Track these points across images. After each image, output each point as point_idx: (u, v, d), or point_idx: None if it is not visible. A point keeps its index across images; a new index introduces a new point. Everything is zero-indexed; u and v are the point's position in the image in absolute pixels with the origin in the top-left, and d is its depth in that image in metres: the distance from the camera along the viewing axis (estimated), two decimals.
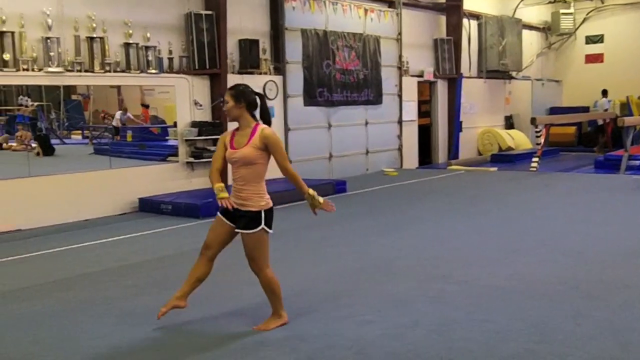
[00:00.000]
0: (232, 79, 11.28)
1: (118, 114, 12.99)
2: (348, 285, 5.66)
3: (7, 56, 8.68)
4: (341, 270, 6.23)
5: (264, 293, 4.59)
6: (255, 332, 4.49)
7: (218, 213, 4.60)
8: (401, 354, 4.06)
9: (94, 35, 9.58)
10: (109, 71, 9.76)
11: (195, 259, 4.66)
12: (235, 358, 4.09)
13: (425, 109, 16.59)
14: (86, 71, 9.53)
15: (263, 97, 4.67)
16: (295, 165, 12.59)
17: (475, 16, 17.71)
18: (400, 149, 15.43)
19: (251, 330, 4.53)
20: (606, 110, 18.90)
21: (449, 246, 7.11)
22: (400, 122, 15.31)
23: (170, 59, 10.64)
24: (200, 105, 11.00)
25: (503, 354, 4.02)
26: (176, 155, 10.78)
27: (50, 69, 9.06)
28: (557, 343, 4.17)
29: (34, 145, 12.34)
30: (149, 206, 9.86)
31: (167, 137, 11.92)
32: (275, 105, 12.30)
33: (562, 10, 20.48)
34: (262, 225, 4.43)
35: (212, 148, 10.93)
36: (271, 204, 4.52)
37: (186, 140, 10.72)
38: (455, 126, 16.83)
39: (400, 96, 15.22)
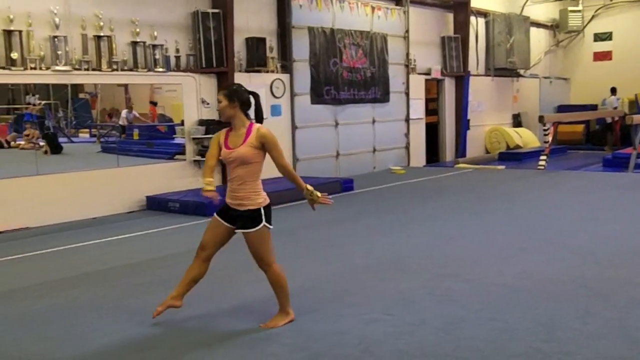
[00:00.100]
0: (239, 77, 11.32)
1: (124, 113, 13.00)
2: (355, 284, 5.66)
3: (15, 55, 8.71)
4: (348, 268, 6.23)
5: (272, 289, 4.59)
6: (262, 330, 4.48)
7: (214, 214, 4.62)
8: (408, 352, 4.05)
9: (101, 34, 9.60)
10: (116, 70, 9.79)
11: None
12: (242, 355, 4.09)
13: (432, 107, 16.56)
14: (93, 70, 9.56)
15: (258, 96, 4.67)
16: (303, 163, 12.80)
17: (483, 14, 17.65)
18: (407, 147, 15.41)
19: (258, 328, 4.53)
20: (615, 108, 18.81)
21: (457, 244, 7.09)
22: (407, 120, 15.29)
23: (178, 58, 10.66)
24: (208, 104, 11.01)
25: (511, 352, 4.00)
26: (183, 153, 10.80)
27: (57, 68, 9.09)
28: (565, 342, 4.15)
29: (41, 143, 12.38)
30: (157, 204, 9.88)
31: (174, 136, 11.94)
32: (282, 103, 12.32)
33: (570, 8, 20.39)
34: (264, 222, 4.43)
35: None
36: (269, 200, 4.53)
37: (193, 138, 10.74)
38: (462, 124, 16.79)
39: (407, 94, 15.20)
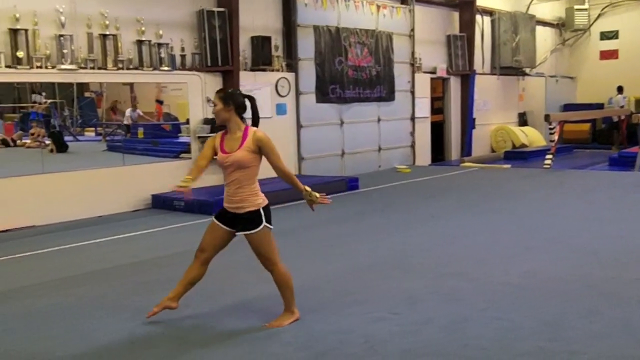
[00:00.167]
0: (245, 76, 11.34)
1: (128, 111, 13.01)
2: (360, 283, 5.65)
3: (20, 54, 8.73)
4: (353, 267, 6.22)
5: (278, 289, 4.59)
6: (264, 329, 4.48)
7: (213, 217, 4.62)
8: (413, 351, 4.04)
9: (107, 33, 9.61)
10: (122, 68, 9.80)
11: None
12: (244, 354, 4.09)
13: (438, 105, 16.53)
14: (99, 68, 9.58)
15: (254, 99, 4.66)
16: (308, 162, 12.79)
17: (489, 12, 17.61)
18: (412, 146, 15.39)
19: (260, 327, 4.53)
20: (622, 107, 18.74)
21: (462, 243, 7.08)
22: (412, 118, 15.27)
23: (183, 56, 10.67)
24: (213, 103, 10.99)
25: (516, 351, 3.99)
26: (189, 152, 10.80)
27: (63, 67, 9.11)
28: (571, 341, 4.14)
29: (47, 142, 12.41)
30: (162, 203, 9.89)
31: (178, 134, 11.95)
32: (287, 102, 12.32)
33: (576, 6, 20.33)
34: (264, 223, 4.43)
35: None
36: (267, 201, 4.53)
37: (199, 137, 10.74)
38: (468, 123, 16.75)
39: (413, 93, 15.18)
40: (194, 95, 10.87)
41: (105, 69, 9.63)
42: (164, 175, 10.23)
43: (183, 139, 11.42)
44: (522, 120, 19.29)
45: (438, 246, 7.00)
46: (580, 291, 5.20)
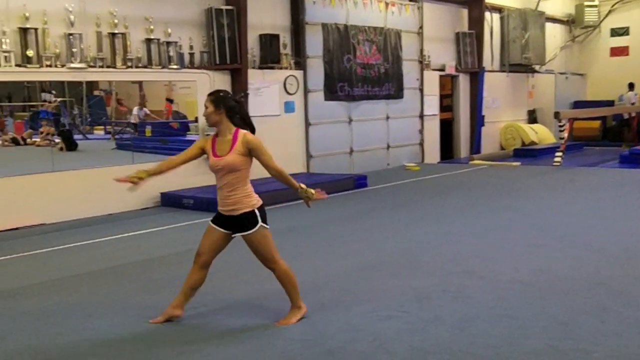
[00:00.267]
0: (253, 74, 11.35)
1: (135, 110, 13.04)
2: (369, 280, 5.64)
3: (30, 52, 8.77)
4: (362, 265, 6.21)
5: (282, 286, 4.59)
6: (274, 327, 4.48)
7: (209, 221, 4.63)
8: (423, 348, 4.03)
9: (116, 31, 9.64)
10: (131, 67, 9.83)
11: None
12: (254, 352, 4.09)
13: (447, 103, 16.48)
14: (108, 67, 9.61)
15: (243, 104, 4.69)
16: (316, 160, 12.79)
17: (498, 9, 17.54)
18: (421, 144, 15.36)
19: (270, 324, 4.53)
20: (633, 104, 18.63)
21: (471, 241, 7.06)
22: (421, 116, 15.23)
23: (191, 55, 10.68)
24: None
25: (526, 349, 3.97)
26: None
27: (72, 65, 9.15)
28: (581, 339, 4.12)
29: (57, 140, 12.46)
30: (171, 201, 9.92)
31: (187, 132, 11.97)
32: (295, 100, 12.31)
33: (586, 3, 20.21)
34: (260, 223, 4.44)
35: None
36: (261, 202, 4.54)
37: (207, 135, 10.74)
38: (477, 120, 16.70)
39: (421, 90, 15.14)
40: (202, 94, 10.82)
41: (114, 67, 9.66)
42: (173, 173, 10.24)
43: (190, 137, 11.44)
44: (532, 118, 19.21)
45: (447, 244, 6.98)
46: (590, 289, 5.18)
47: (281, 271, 4.54)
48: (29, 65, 8.78)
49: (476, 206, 9.34)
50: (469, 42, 16.28)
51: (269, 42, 11.62)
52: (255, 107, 11.31)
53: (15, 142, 13.69)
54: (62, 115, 12.72)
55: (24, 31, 8.75)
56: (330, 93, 12.97)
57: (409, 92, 14.77)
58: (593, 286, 5.25)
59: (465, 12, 16.53)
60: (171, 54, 10.31)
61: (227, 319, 4.71)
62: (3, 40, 8.53)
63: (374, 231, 7.84)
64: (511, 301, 4.92)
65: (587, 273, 5.63)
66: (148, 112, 12.89)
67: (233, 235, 4.52)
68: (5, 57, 8.53)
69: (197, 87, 10.85)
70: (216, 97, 4.51)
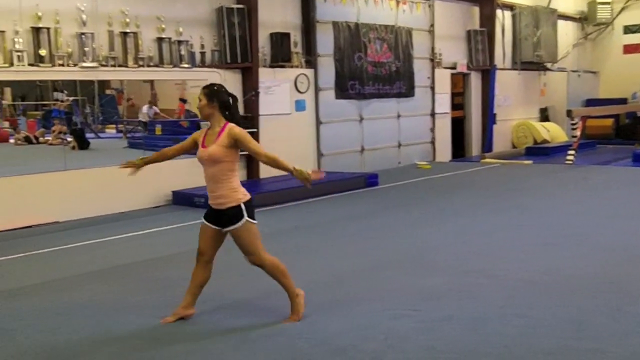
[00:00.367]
0: (264, 73, 11.35)
1: (145, 108, 13.07)
2: (380, 279, 5.64)
3: (43, 52, 8.82)
4: (373, 263, 6.21)
5: (275, 280, 4.60)
6: (286, 326, 4.48)
7: (202, 219, 4.66)
8: (435, 347, 4.02)
9: (128, 31, 9.68)
10: (142, 66, 9.86)
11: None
12: (265, 351, 4.09)
13: (458, 101, 16.42)
14: (120, 66, 9.64)
15: (236, 99, 4.72)
16: (327, 158, 12.77)
17: (509, 7, 17.45)
18: (433, 142, 15.31)
19: (279, 322, 4.53)
20: None
21: (483, 240, 7.03)
22: (433, 114, 15.18)
23: (203, 53, 10.70)
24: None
25: (538, 349, 3.95)
26: None
27: (84, 64, 9.19)
28: (594, 339, 4.09)
29: (69, 139, 12.54)
30: (183, 199, 9.94)
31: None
32: (306, 98, 12.31)
33: (599, 0, 20.05)
34: (245, 218, 4.44)
35: None
36: (249, 196, 4.55)
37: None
38: (489, 119, 16.62)
39: (433, 88, 15.09)
40: None
41: (126, 66, 9.69)
42: (185, 171, 10.26)
43: None
44: (544, 116, 19.09)
45: (458, 243, 6.96)
46: (603, 288, 5.14)
47: (269, 266, 4.55)
48: (41, 65, 8.83)
49: (487, 205, 9.30)
50: (481, 40, 16.20)
51: (279, 40, 11.62)
52: (266, 105, 11.33)
53: (28, 140, 13.80)
54: (74, 114, 12.80)
55: (36, 31, 8.80)
56: (341, 91, 12.95)
57: (420, 90, 14.72)
58: (606, 285, 5.22)
59: (476, 9, 16.45)
60: (182, 52, 10.34)
61: (235, 318, 4.71)
62: (16, 39, 8.58)
63: (385, 229, 7.83)
64: (522, 300, 4.90)
65: (599, 272, 5.59)
66: (158, 110, 12.92)
67: (224, 230, 4.53)
68: (18, 56, 8.58)
69: None
70: (210, 91, 4.57)
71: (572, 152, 13.86)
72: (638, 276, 5.46)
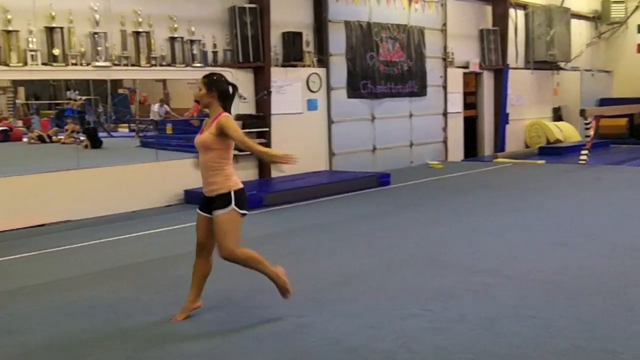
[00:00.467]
0: (276, 72, 11.35)
1: (155, 107, 13.08)
2: (392, 278, 5.62)
3: (56, 51, 8.86)
4: (385, 263, 6.19)
5: (251, 270, 4.60)
6: (296, 323, 4.47)
7: (197, 210, 4.71)
8: (447, 347, 4.01)
9: (140, 30, 9.71)
10: (155, 65, 9.89)
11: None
12: (276, 350, 4.09)
13: (470, 100, 16.35)
14: (132, 65, 9.67)
15: (236, 88, 4.76)
16: (339, 157, 12.75)
17: (522, 6, 17.36)
18: (445, 142, 15.26)
19: (293, 321, 4.53)
20: None
21: (496, 240, 7.00)
22: (445, 114, 15.13)
23: (215, 53, 10.72)
24: (244, 98, 11.05)
25: (551, 350, 3.92)
26: None
27: (97, 64, 9.23)
28: (608, 340, 4.06)
29: (82, 138, 12.61)
30: (195, 198, 9.93)
31: None
32: (318, 97, 12.30)
33: None
34: (233, 206, 4.45)
35: (257, 141, 10.99)
36: (241, 186, 4.57)
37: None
38: (501, 118, 16.55)
39: (445, 88, 15.04)
40: None
41: (139, 65, 9.72)
42: (197, 170, 10.32)
43: None
44: (557, 115, 18.98)
45: (470, 242, 6.93)
46: (617, 289, 5.10)
47: (242, 257, 4.52)
48: (55, 64, 8.88)
49: (500, 204, 9.26)
50: (493, 39, 16.13)
51: (291, 40, 11.62)
52: (278, 105, 11.34)
53: (41, 139, 13.90)
54: (87, 113, 12.87)
55: (50, 30, 8.85)
56: (353, 90, 12.94)
57: (432, 89, 14.68)
58: (620, 286, 5.18)
59: (489, 9, 16.38)
60: (195, 52, 10.36)
61: (244, 317, 4.71)
62: (30, 39, 8.64)
63: (397, 229, 7.81)
64: (536, 300, 4.87)
65: (613, 272, 5.55)
66: (168, 109, 12.94)
67: (213, 216, 4.53)
68: (32, 55, 8.63)
69: None
70: (209, 80, 4.62)
71: (586, 151, 13.78)
72: None
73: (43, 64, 8.79)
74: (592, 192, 10.20)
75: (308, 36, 12.11)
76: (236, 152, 4.76)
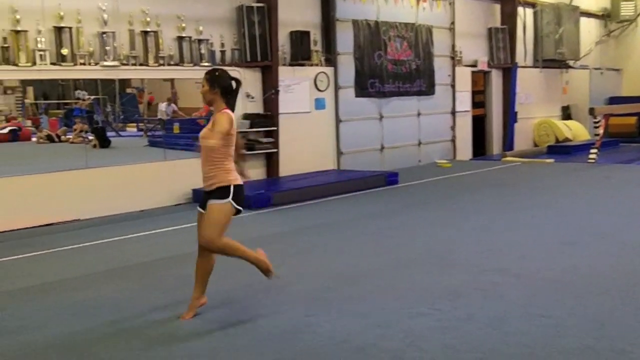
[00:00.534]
0: (284, 71, 11.35)
1: (163, 106, 13.07)
2: (400, 277, 5.61)
3: (65, 51, 8.89)
4: (393, 261, 6.18)
5: (233, 257, 4.60)
6: (306, 324, 4.47)
7: (198, 207, 4.74)
8: (455, 346, 3.99)
9: (148, 30, 9.73)
10: (163, 64, 9.90)
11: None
12: (284, 348, 4.09)
13: (479, 99, 16.30)
14: (140, 65, 9.70)
15: (239, 83, 4.75)
16: (347, 156, 12.74)
17: (531, 4, 17.28)
18: (453, 140, 15.22)
19: (302, 319, 4.52)
20: None
21: (504, 239, 6.97)
22: (453, 112, 15.09)
23: (223, 52, 10.73)
24: (252, 98, 11.06)
25: (560, 349, 3.90)
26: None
27: (106, 63, 9.25)
28: (618, 339, 4.03)
29: (90, 137, 12.64)
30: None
31: None
32: (326, 96, 12.29)
33: None
34: (230, 199, 4.46)
35: (264, 140, 11.00)
36: (240, 182, 4.58)
37: (238, 132, 10.79)
38: (510, 117, 16.49)
39: (453, 86, 15.00)
40: None
41: (147, 65, 9.74)
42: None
43: None
44: (566, 114, 18.90)
45: (479, 241, 6.90)
46: (626, 288, 5.07)
47: (222, 249, 4.52)
48: (63, 64, 8.91)
49: (509, 203, 9.23)
50: (502, 38, 16.07)
51: (299, 39, 11.61)
52: (285, 104, 11.33)
53: (49, 139, 13.95)
54: (96, 112, 12.91)
55: (58, 30, 8.88)
56: (361, 89, 12.92)
57: (440, 88, 14.64)
58: (629, 285, 5.14)
59: (497, 7, 16.33)
60: (202, 51, 10.37)
61: (253, 316, 4.70)
62: (38, 39, 8.67)
63: (405, 228, 7.79)
64: (545, 300, 4.84)
65: (623, 272, 5.52)
66: (176, 108, 12.94)
67: (208, 204, 4.53)
68: (41, 55, 8.66)
69: None
70: (211, 76, 4.61)
71: (595, 150, 13.71)
72: None
73: (52, 63, 8.83)
74: (601, 191, 10.15)
75: (316, 35, 12.10)
76: (243, 152, 4.77)
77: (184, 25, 10.16)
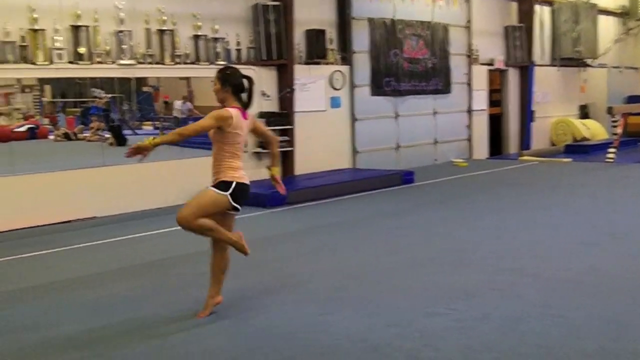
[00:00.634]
0: (299, 70, 11.35)
1: (178, 104, 13.09)
2: (416, 276, 5.58)
3: (82, 50, 8.95)
4: (409, 260, 6.15)
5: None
6: (321, 323, 4.46)
7: None
8: (471, 347, 3.96)
9: (164, 28, 9.76)
10: (179, 63, 9.93)
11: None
12: (300, 346, 4.08)
13: (496, 98, 16.21)
14: (157, 63, 9.73)
15: (252, 80, 4.73)
16: (362, 155, 12.72)
17: (548, 2, 17.16)
18: (469, 139, 15.14)
19: (317, 318, 4.51)
20: None
21: (520, 239, 6.92)
22: (469, 111, 15.02)
23: (238, 51, 10.75)
24: (268, 96, 11.07)
25: (577, 350, 3.86)
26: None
27: (122, 62, 9.30)
28: (635, 341, 3.98)
29: (107, 135, 12.71)
30: None
31: None
32: (342, 95, 12.28)
33: None
34: (228, 193, 4.46)
35: (280, 138, 10.99)
36: (247, 182, 4.58)
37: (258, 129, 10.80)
38: (527, 116, 16.38)
39: (469, 85, 14.93)
40: None
41: (163, 63, 9.78)
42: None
43: None
44: (584, 113, 18.74)
45: (496, 241, 6.86)
46: None
47: (198, 229, 4.47)
48: (80, 62, 8.97)
49: (526, 203, 9.16)
50: (519, 36, 15.97)
51: (315, 37, 11.61)
52: (301, 102, 11.33)
53: (67, 137, 14.03)
54: (112, 111, 12.97)
55: (76, 29, 8.93)
56: (377, 88, 12.89)
57: (456, 86, 14.58)
58: None
59: (514, 5, 16.22)
60: (218, 50, 10.39)
61: (269, 314, 4.71)
62: (56, 38, 8.73)
63: (421, 227, 7.76)
64: (562, 300, 4.80)
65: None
66: (191, 107, 12.95)
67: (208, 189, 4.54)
68: (58, 54, 8.72)
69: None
70: (223, 75, 4.63)
71: (613, 150, 13.58)
72: None
73: (69, 62, 8.89)
74: (619, 191, 10.05)
75: (331, 33, 12.09)
76: (259, 150, 4.78)
77: (199, 23, 10.19)
